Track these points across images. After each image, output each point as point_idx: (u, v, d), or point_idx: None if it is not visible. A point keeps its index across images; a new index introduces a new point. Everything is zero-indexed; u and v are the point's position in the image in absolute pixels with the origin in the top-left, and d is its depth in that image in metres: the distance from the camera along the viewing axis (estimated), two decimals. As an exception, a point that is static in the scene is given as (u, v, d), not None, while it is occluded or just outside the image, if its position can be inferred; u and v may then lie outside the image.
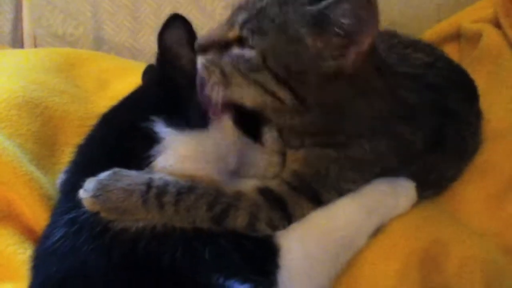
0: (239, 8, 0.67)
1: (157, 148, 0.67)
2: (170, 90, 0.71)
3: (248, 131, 0.72)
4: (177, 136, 0.68)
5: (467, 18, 1.15)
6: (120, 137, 0.69)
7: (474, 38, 1.09)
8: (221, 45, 0.67)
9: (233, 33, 0.66)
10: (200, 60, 0.68)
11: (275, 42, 0.63)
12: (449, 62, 0.90)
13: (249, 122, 0.71)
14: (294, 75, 0.64)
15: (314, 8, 0.62)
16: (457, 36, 1.15)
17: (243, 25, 0.65)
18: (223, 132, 0.70)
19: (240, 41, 0.65)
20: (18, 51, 1.14)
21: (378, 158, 0.73)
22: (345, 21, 0.61)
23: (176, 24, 0.69)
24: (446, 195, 0.84)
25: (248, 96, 0.67)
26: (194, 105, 0.70)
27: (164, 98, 0.71)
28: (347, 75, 0.64)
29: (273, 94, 0.65)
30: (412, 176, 0.76)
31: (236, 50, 0.66)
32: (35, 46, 1.25)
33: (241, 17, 0.65)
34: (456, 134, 0.81)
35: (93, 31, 1.24)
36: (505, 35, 1.06)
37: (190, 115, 0.69)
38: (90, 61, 1.10)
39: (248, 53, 0.65)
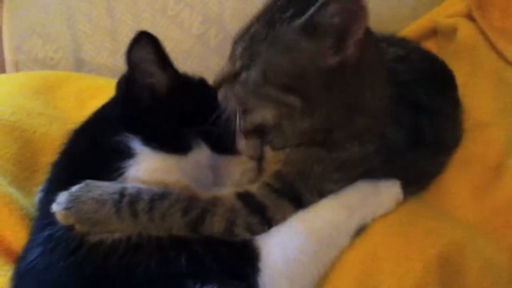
0: (236, 43, 0.73)
1: (130, 161, 0.67)
2: (138, 108, 0.71)
3: (220, 146, 0.72)
4: (152, 154, 0.68)
5: (442, 14, 1.16)
6: (91, 151, 0.69)
7: (450, 33, 1.10)
8: (230, 78, 0.73)
9: (237, 65, 0.72)
10: (219, 95, 0.74)
11: (269, 57, 0.68)
12: (423, 54, 0.91)
13: (221, 137, 0.72)
14: (296, 79, 0.68)
15: (302, 20, 0.66)
16: (434, 32, 1.16)
17: (241, 55, 0.71)
18: (197, 156, 0.71)
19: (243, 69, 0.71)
20: (-5, 76, 1.15)
21: (364, 159, 0.73)
22: (335, 20, 0.64)
23: (144, 41, 0.68)
24: (431, 190, 0.83)
25: (266, 113, 0.71)
26: (167, 126, 0.70)
27: (133, 115, 0.70)
28: (351, 66, 0.67)
29: (283, 103, 0.69)
30: (393, 174, 0.76)
31: (242, 76, 0.71)
32: (17, 72, 1.24)
33: (239, 49, 0.71)
34: (432, 129, 0.81)
35: (72, 53, 1.24)
36: (479, 27, 1.06)
37: (164, 136, 0.69)
38: (68, 82, 1.09)
39: (251, 73, 0.69)
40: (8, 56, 1.26)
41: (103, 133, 0.70)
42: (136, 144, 0.68)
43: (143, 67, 0.69)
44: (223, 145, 0.73)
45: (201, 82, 0.78)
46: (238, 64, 0.72)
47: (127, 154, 0.67)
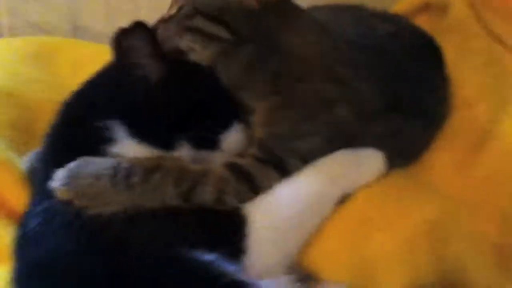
0: None
1: (113, 146, 0.69)
2: (128, 98, 0.71)
3: (204, 144, 0.73)
4: (134, 144, 0.70)
5: (435, -11, 1.16)
6: (78, 129, 0.71)
7: (442, 8, 1.10)
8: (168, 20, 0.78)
9: (174, 8, 0.78)
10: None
11: None
12: (413, 31, 0.93)
13: (203, 136, 0.73)
14: (223, 12, 0.74)
15: None
16: (427, 7, 1.15)
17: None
18: (177, 154, 0.71)
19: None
20: (-9, 41, 1.15)
21: (323, 100, 0.75)
22: None
23: (139, 32, 0.68)
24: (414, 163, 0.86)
25: (200, 50, 0.75)
26: (155, 121, 0.70)
27: (122, 104, 0.71)
28: (271, 6, 0.75)
29: (212, 34, 0.74)
30: (379, 141, 0.77)
31: (179, 14, 0.77)
32: (12, 35, 1.25)
33: None
34: (418, 99, 0.83)
35: (69, 18, 1.24)
36: (471, 4, 1.07)
37: (150, 131, 0.70)
38: (64, 48, 1.10)
39: (184, 10, 0.77)
40: (3, 20, 1.26)
41: (90, 113, 0.71)
42: (121, 133, 0.69)
43: (136, 58, 0.69)
44: (206, 143, 0.73)
45: (199, 69, 0.77)
46: (175, 7, 0.77)
47: (111, 139, 0.69)
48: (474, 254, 0.71)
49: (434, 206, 0.74)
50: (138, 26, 0.68)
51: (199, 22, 0.75)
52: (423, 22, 1.13)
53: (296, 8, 0.80)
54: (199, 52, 0.75)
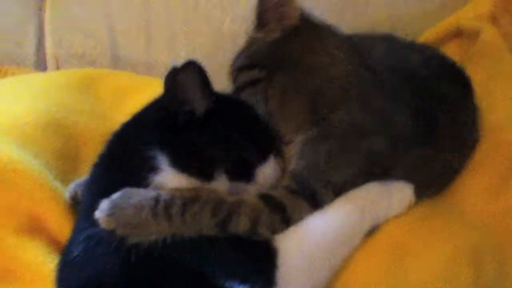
0: None
1: (155, 176, 0.73)
2: (173, 130, 0.74)
3: (240, 176, 0.76)
4: (176, 174, 0.73)
5: (466, 16, 1.16)
6: (124, 159, 0.75)
7: (474, 35, 1.11)
8: None
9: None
10: None
11: (238, 54, 0.87)
12: (443, 60, 0.94)
13: (241, 169, 0.76)
14: (252, 57, 0.84)
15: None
16: (458, 34, 1.17)
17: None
18: (216, 185, 0.75)
19: None
20: (40, 74, 1.21)
21: (360, 133, 0.77)
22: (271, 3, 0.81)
23: (191, 70, 0.72)
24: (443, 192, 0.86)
25: (256, 101, 0.82)
26: (197, 154, 0.74)
27: (167, 136, 0.74)
28: (292, 31, 0.81)
29: (251, 79, 0.83)
30: (412, 171, 0.79)
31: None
32: (57, 67, 1.32)
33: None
34: (451, 126, 0.84)
35: (109, 49, 1.30)
36: (503, 31, 1.07)
37: (192, 162, 0.74)
38: (106, 79, 1.15)
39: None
40: (49, 51, 1.33)
41: (136, 144, 0.75)
42: (164, 163, 0.73)
43: (185, 93, 0.73)
44: (243, 175, 0.76)
45: (242, 103, 0.82)
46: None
47: (154, 169, 0.72)
48: (509, 282, 0.72)
49: (467, 234, 0.75)
50: (190, 64, 0.72)
51: (241, 77, 0.84)
52: (453, 48, 1.14)
53: (324, 29, 0.84)
54: (258, 104, 0.82)
